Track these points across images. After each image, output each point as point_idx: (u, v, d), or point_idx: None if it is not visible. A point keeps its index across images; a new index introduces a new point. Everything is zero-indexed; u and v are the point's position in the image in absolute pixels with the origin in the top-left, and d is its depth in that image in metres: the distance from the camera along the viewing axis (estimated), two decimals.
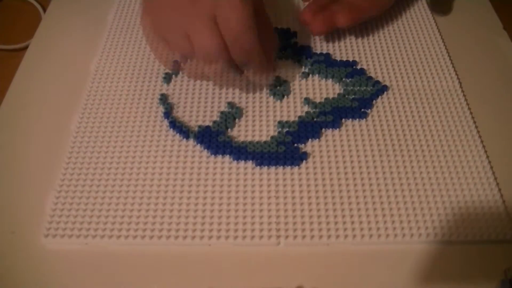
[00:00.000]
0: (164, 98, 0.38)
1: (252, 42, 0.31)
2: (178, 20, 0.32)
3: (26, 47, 0.43)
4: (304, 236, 0.30)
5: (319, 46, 0.42)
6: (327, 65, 0.40)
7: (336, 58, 0.41)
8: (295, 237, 0.30)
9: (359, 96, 0.38)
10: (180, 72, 0.40)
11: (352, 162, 0.34)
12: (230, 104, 0.37)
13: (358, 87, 0.39)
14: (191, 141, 0.35)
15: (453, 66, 0.40)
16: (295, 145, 0.35)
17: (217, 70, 0.33)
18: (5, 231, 0.31)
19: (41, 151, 0.35)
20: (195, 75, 0.36)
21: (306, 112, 0.37)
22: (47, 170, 0.34)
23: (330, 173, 0.33)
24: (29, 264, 0.29)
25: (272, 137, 0.35)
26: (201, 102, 0.38)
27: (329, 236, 0.30)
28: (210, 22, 0.31)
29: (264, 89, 0.38)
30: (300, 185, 0.32)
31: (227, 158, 0.34)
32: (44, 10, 0.46)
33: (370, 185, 0.32)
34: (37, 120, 0.37)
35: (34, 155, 0.35)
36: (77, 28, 0.44)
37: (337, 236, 0.30)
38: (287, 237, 0.30)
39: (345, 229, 0.30)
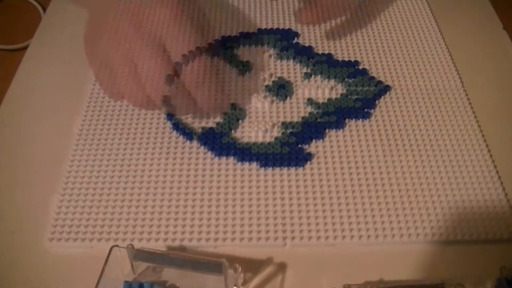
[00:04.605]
0: (167, 100, 0.38)
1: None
2: (123, 48, 0.31)
3: (26, 47, 0.42)
4: (310, 237, 0.30)
5: (321, 46, 0.42)
6: (329, 66, 0.40)
7: (338, 59, 0.41)
8: (301, 238, 0.30)
9: (362, 96, 0.38)
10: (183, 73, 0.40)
11: (356, 162, 0.34)
12: (233, 106, 0.37)
13: (361, 87, 0.39)
14: (195, 143, 0.35)
15: (454, 66, 0.40)
16: (299, 146, 0.35)
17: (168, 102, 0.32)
18: (8, 235, 0.30)
19: (42, 153, 0.35)
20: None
21: (309, 113, 0.37)
22: (50, 173, 0.33)
23: (335, 174, 0.33)
24: (34, 268, 0.29)
25: (276, 138, 0.35)
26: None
27: (335, 237, 0.30)
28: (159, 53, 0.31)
29: (267, 90, 0.38)
30: (305, 186, 0.32)
31: (231, 159, 0.34)
32: (44, 10, 0.46)
33: (375, 185, 0.32)
34: (38, 121, 0.37)
35: (35, 158, 0.34)
36: (77, 28, 0.44)
37: (343, 237, 0.30)
38: (293, 238, 0.30)
39: (351, 230, 0.30)
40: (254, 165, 0.34)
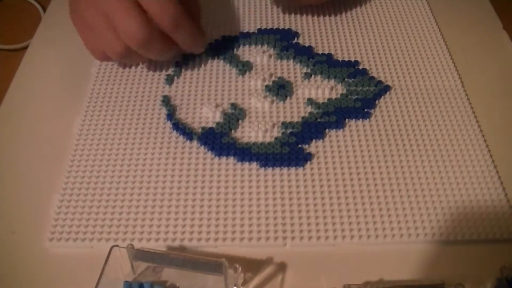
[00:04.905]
0: (166, 100, 0.38)
1: (178, 8, 0.32)
2: (97, 6, 0.32)
3: (26, 47, 0.42)
4: (310, 237, 0.30)
5: (321, 46, 0.42)
6: (329, 66, 0.40)
7: (338, 58, 0.41)
8: (301, 238, 0.30)
9: (362, 96, 0.38)
10: (182, 74, 0.40)
11: (356, 162, 0.34)
12: (233, 105, 0.37)
13: (361, 87, 0.39)
14: (195, 143, 0.35)
15: (454, 66, 0.40)
16: (299, 146, 0.35)
17: (147, 46, 0.33)
18: (8, 235, 0.30)
19: (42, 153, 0.35)
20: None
21: (310, 113, 0.37)
22: (50, 173, 0.33)
23: (335, 174, 0.33)
24: (34, 268, 0.29)
25: (276, 138, 0.35)
26: (204, 104, 0.38)
27: (335, 237, 0.30)
28: (129, 1, 0.31)
29: (267, 90, 0.38)
30: (305, 186, 0.32)
31: (231, 159, 0.34)
32: (44, 10, 0.46)
33: (375, 185, 0.32)
34: (38, 121, 0.37)
35: (35, 158, 0.34)
36: None
37: (343, 237, 0.30)
38: (293, 238, 0.30)
39: (351, 230, 0.30)
40: (254, 165, 0.34)
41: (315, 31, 0.43)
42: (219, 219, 0.31)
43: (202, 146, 0.35)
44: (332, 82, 0.39)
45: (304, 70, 0.40)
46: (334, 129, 0.36)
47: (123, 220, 0.31)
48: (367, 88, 0.39)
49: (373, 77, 0.39)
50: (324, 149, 0.35)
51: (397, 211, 0.31)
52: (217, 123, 0.36)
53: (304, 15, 0.45)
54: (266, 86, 0.39)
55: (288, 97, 0.38)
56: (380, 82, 0.39)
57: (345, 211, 0.31)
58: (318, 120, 0.36)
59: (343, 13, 0.45)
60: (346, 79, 0.39)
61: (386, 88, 0.39)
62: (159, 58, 0.38)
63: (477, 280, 0.29)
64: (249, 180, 0.33)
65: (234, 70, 0.40)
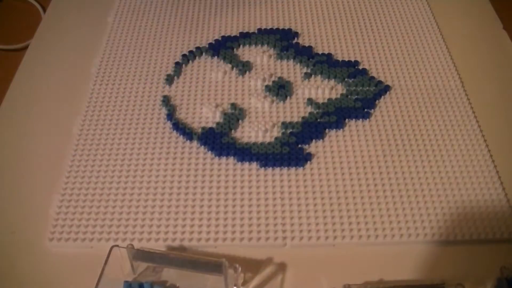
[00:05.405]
0: (166, 100, 0.38)
1: None
2: None
3: (26, 47, 0.42)
4: (310, 237, 0.30)
5: (321, 46, 0.42)
6: (329, 66, 0.40)
7: (338, 59, 0.41)
8: (301, 238, 0.30)
9: (362, 96, 0.38)
10: (182, 74, 0.40)
11: (356, 162, 0.34)
12: (233, 105, 0.37)
13: (361, 87, 0.39)
14: (195, 143, 0.35)
15: (454, 66, 0.40)
16: (299, 146, 0.35)
17: None
18: (8, 235, 0.30)
19: (42, 153, 0.35)
20: None
21: (310, 113, 0.37)
22: (50, 173, 0.33)
23: (335, 174, 0.33)
24: (34, 268, 0.29)
25: (276, 138, 0.35)
26: (204, 104, 0.38)
27: (335, 237, 0.30)
28: None
29: (267, 90, 0.38)
30: (305, 186, 0.32)
31: (231, 159, 0.34)
32: (44, 10, 0.46)
33: (375, 185, 0.32)
34: (38, 121, 0.37)
35: (35, 158, 0.34)
36: (77, 28, 0.44)
37: (343, 237, 0.30)
38: (293, 238, 0.30)
39: (351, 230, 0.30)
40: (254, 165, 0.34)
41: (315, 31, 0.43)
42: (219, 219, 0.31)
43: (202, 146, 0.35)
44: (332, 82, 0.39)
45: (304, 70, 0.40)
46: (334, 129, 0.36)
47: (123, 220, 0.31)
48: (367, 88, 0.39)
49: (373, 77, 0.39)
50: (324, 149, 0.35)
51: (397, 211, 0.31)
52: (217, 123, 0.36)
53: (304, 15, 0.45)
54: (266, 86, 0.39)
55: (288, 97, 0.38)
56: (380, 82, 0.39)
57: (345, 211, 0.31)
58: (318, 120, 0.36)
59: (343, 13, 0.45)
60: (346, 79, 0.39)
61: (386, 88, 0.39)
62: None
63: (477, 280, 0.29)
64: (249, 180, 0.33)
65: (234, 70, 0.40)
